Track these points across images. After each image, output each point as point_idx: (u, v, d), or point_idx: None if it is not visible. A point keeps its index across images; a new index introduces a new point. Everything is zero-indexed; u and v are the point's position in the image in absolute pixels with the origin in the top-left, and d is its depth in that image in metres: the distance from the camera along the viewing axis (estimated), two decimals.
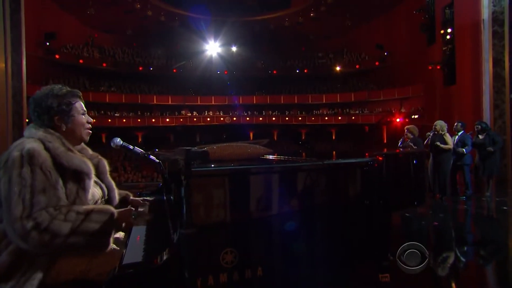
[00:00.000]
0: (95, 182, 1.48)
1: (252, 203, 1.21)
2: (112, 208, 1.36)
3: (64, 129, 1.40)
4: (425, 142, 5.92)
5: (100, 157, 1.59)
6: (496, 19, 8.18)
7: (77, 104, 1.46)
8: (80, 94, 1.51)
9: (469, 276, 2.98)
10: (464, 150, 5.55)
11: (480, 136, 5.84)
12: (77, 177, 1.33)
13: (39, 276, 1.22)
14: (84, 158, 1.41)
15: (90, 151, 1.58)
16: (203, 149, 1.30)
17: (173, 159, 1.58)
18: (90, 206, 1.34)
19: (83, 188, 1.34)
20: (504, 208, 5.50)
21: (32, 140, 1.29)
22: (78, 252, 1.27)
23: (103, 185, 1.54)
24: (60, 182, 1.27)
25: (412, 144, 5.59)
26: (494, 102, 8.21)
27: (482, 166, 5.83)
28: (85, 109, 1.50)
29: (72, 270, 1.26)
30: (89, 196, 1.38)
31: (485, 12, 8.36)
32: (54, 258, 1.26)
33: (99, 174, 1.51)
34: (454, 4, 11.01)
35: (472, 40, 9.27)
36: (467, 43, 9.77)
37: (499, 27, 8.15)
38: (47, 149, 1.28)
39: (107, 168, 1.60)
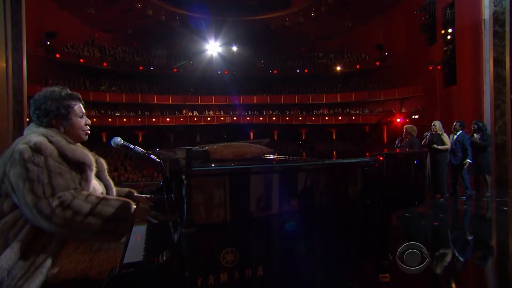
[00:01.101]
0: (96, 178, 1.50)
1: (253, 202, 1.21)
2: (130, 200, 1.40)
3: (62, 131, 1.44)
4: (422, 142, 5.97)
5: (97, 156, 1.61)
6: (497, 19, 8.17)
7: (76, 107, 1.48)
8: (80, 96, 1.54)
9: (468, 276, 2.98)
10: (468, 161, 5.63)
11: (476, 135, 5.92)
12: (80, 169, 1.37)
13: (48, 263, 1.25)
14: (85, 150, 1.45)
15: (85, 151, 1.59)
16: (204, 149, 1.30)
17: (174, 159, 1.58)
18: (109, 196, 1.40)
19: (86, 179, 1.38)
20: (505, 208, 5.49)
21: (36, 134, 1.33)
22: (94, 240, 1.29)
23: (101, 183, 1.56)
24: (69, 170, 1.32)
25: (409, 143, 5.64)
26: (494, 102, 8.19)
27: (474, 163, 5.93)
28: (84, 111, 1.53)
29: (73, 268, 1.27)
30: (90, 188, 1.41)
31: (486, 12, 8.35)
32: (61, 246, 1.29)
33: (98, 172, 1.53)
34: (455, 4, 11.00)
35: (473, 40, 9.27)
36: (467, 43, 9.76)
37: (500, 27, 8.13)
38: (51, 142, 1.32)
39: (105, 166, 1.62)
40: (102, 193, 1.52)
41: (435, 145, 5.57)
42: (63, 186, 1.25)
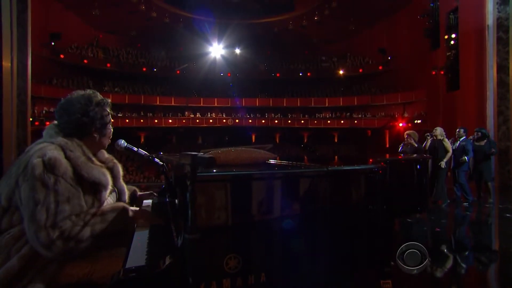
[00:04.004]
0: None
1: (257, 208, 1.21)
2: (125, 205, 1.38)
3: (96, 140, 1.40)
4: (423, 144, 5.97)
5: (114, 160, 1.59)
6: (501, 25, 8.17)
7: (109, 115, 1.47)
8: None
9: (470, 282, 2.96)
10: (466, 158, 5.60)
11: (482, 143, 5.90)
12: (94, 188, 1.33)
13: (43, 284, 1.22)
14: (103, 168, 1.40)
15: (105, 154, 1.57)
16: (210, 155, 1.30)
17: (178, 164, 1.58)
18: (105, 207, 1.35)
19: (99, 200, 1.34)
20: (507, 215, 5.46)
21: (53, 146, 1.27)
22: (95, 252, 1.29)
23: (115, 190, 1.55)
24: (80, 191, 1.28)
25: (414, 144, 5.64)
26: (498, 108, 8.18)
27: (476, 172, 5.91)
28: None
29: (76, 273, 1.26)
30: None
31: (490, 18, 8.36)
32: (63, 265, 1.26)
33: (112, 178, 1.49)
34: (458, 10, 11.01)
35: (476, 45, 9.26)
36: (471, 48, 9.75)
37: (503, 33, 8.13)
38: (67, 157, 1.26)
39: (121, 172, 1.60)
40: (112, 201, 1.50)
41: (441, 163, 5.52)
42: (68, 212, 1.21)
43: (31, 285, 1.20)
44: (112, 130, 1.50)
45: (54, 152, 1.23)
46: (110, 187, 1.41)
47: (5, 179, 1.26)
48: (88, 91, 1.44)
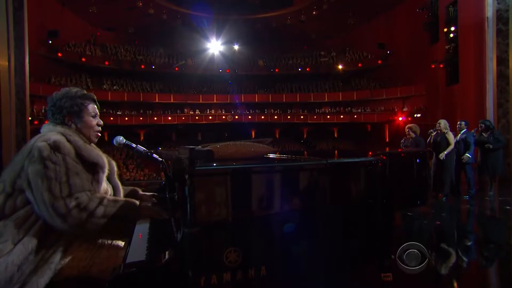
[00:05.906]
0: (105, 180, 1.53)
1: (256, 202, 1.21)
2: (137, 202, 1.47)
3: (74, 129, 1.48)
4: (427, 140, 5.93)
5: (109, 158, 1.63)
6: (501, 17, 8.11)
7: (89, 106, 1.52)
8: (94, 97, 1.58)
9: (471, 276, 2.97)
10: (468, 155, 5.55)
11: (484, 135, 5.84)
12: (93, 170, 1.40)
13: (56, 259, 1.27)
14: (100, 152, 1.49)
15: (101, 152, 1.61)
16: (208, 148, 1.30)
17: (177, 158, 1.58)
18: (119, 197, 1.47)
19: (97, 181, 1.41)
20: (507, 207, 5.47)
21: (55, 132, 1.37)
22: (99, 237, 1.36)
23: (110, 186, 1.58)
24: (84, 170, 1.36)
25: (415, 142, 5.62)
26: (498, 101, 8.15)
27: (485, 165, 5.83)
28: (97, 112, 1.57)
29: (76, 265, 1.28)
30: (101, 190, 1.44)
31: (489, 10, 8.30)
32: (70, 243, 1.32)
33: (108, 174, 1.55)
34: (458, 2, 10.94)
35: (476, 38, 9.21)
36: (470, 41, 9.70)
37: (503, 25, 8.08)
38: (69, 141, 1.35)
39: (116, 169, 1.65)
40: (110, 195, 1.54)
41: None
42: (80, 186, 1.29)
43: (42, 262, 1.23)
44: (95, 121, 1.54)
45: (57, 136, 1.33)
46: (106, 170, 1.48)
47: (9, 167, 1.33)
48: (71, 87, 1.55)
